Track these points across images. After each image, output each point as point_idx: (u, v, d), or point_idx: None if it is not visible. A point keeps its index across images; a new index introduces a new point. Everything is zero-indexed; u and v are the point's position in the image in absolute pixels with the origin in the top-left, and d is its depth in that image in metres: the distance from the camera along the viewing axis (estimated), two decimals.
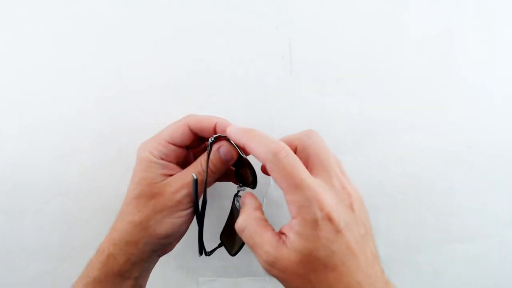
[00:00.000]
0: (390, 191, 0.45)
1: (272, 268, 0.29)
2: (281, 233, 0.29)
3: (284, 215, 0.44)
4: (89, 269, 0.34)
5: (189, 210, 0.34)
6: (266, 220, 0.31)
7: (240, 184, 0.38)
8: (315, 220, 0.27)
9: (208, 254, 0.38)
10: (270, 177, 0.43)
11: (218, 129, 0.34)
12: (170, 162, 0.35)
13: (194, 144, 0.37)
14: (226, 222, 0.39)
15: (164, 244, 0.35)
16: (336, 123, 0.43)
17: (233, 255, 0.38)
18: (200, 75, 0.42)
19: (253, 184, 0.36)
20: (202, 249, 0.37)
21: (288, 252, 0.28)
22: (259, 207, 0.33)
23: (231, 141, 0.34)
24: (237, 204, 0.37)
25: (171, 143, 0.35)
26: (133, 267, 0.34)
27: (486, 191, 0.45)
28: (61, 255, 0.44)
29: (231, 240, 0.38)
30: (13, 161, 0.42)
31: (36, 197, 0.42)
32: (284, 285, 0.30)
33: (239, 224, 0.31)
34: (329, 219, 0.27)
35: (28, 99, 0.41)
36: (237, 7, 0.41)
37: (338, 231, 0.27)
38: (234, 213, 0.38)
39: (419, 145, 0.44)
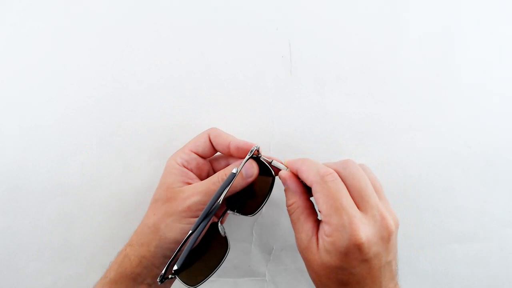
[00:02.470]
0: (390, 191, 0.45)
1: (301, 252, 0.33)
2: (318, 230, 0.31)
3: (284, 215, 0.44)
4: (108, 269, 0.35)
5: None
6: (312, 207, 0.34)
7: (236, 210, 0.37)
8: (345, 247, 0.28)
9: (161, 280, 0.33)
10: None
11: (231, 148, 0.36)
12: (191, 170, 0.37)
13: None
14: (194, 250, 0.34)
15: (174, 250, 0.34)
16: (336, 123, 0.43)
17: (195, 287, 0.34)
18: (200, 75, 0.42)
19: (258, 210, 0.35)
20: (170, 268, 0.32)
21: (315, 253, 0.31)
22: (306, 192, 0.34)
23: (262, 160, 0.35)
24: (221, 230, 0.36)
25: (194, 152, 0.37)
26: (145, 271, 0.34)
27: (486, 191, 0.45)
28: (61, 255, 0.44)
29: (197, 269, 0.35)
30: (13, 161, 0.42)
31: (36, 197, 0.42)
32: (305, 265, 0.33)
33: (291, 202, 0.33)
34: (359, 249, 0.28)
35: (28, 99, 0.41)
36: (237, 7, 0.41)
37: (365, 260, 0.29)
38: (211, 240, 0.35)
39: (419, 145, 0.44)
